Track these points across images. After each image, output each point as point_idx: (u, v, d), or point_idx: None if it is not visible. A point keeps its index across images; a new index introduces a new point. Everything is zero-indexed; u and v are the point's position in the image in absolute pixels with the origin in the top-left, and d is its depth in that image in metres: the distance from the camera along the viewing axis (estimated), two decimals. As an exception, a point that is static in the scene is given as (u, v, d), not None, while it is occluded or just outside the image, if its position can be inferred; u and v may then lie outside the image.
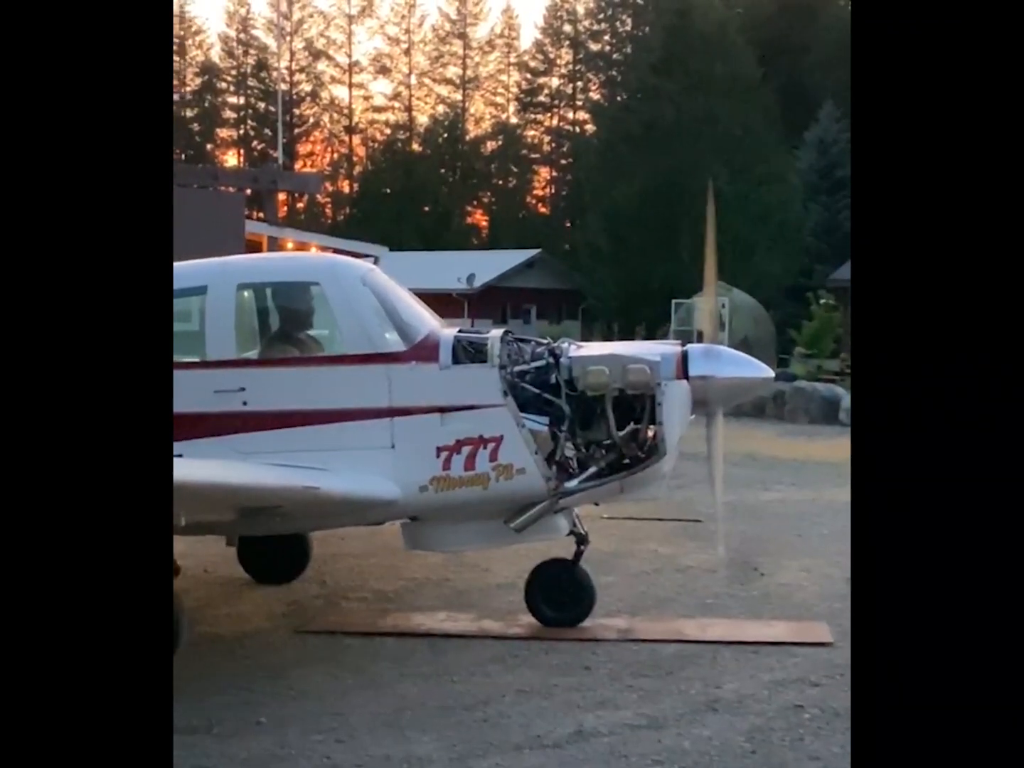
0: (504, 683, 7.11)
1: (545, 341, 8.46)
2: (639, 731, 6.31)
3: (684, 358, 8.00)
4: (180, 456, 6.95)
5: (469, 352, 8.01)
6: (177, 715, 6.27)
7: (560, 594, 8.24)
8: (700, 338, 32.14)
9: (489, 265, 57.61)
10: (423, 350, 7.97)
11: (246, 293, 8.40)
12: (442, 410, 7.86)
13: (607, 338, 61.68)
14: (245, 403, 7.90)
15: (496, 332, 8.28)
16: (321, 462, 7.73)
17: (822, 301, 41.23)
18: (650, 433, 7.98)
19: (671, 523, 12.03)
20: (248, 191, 26.54)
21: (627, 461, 8.00)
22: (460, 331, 8.33)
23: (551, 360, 8.08)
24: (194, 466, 7.03)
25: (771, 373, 8.39)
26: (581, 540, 8.36)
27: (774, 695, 6.86)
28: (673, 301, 37.75)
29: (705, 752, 5.99)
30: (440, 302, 53.32)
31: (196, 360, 8.02)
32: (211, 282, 8.10)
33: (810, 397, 24.97)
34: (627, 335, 60.51)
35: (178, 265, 8.35)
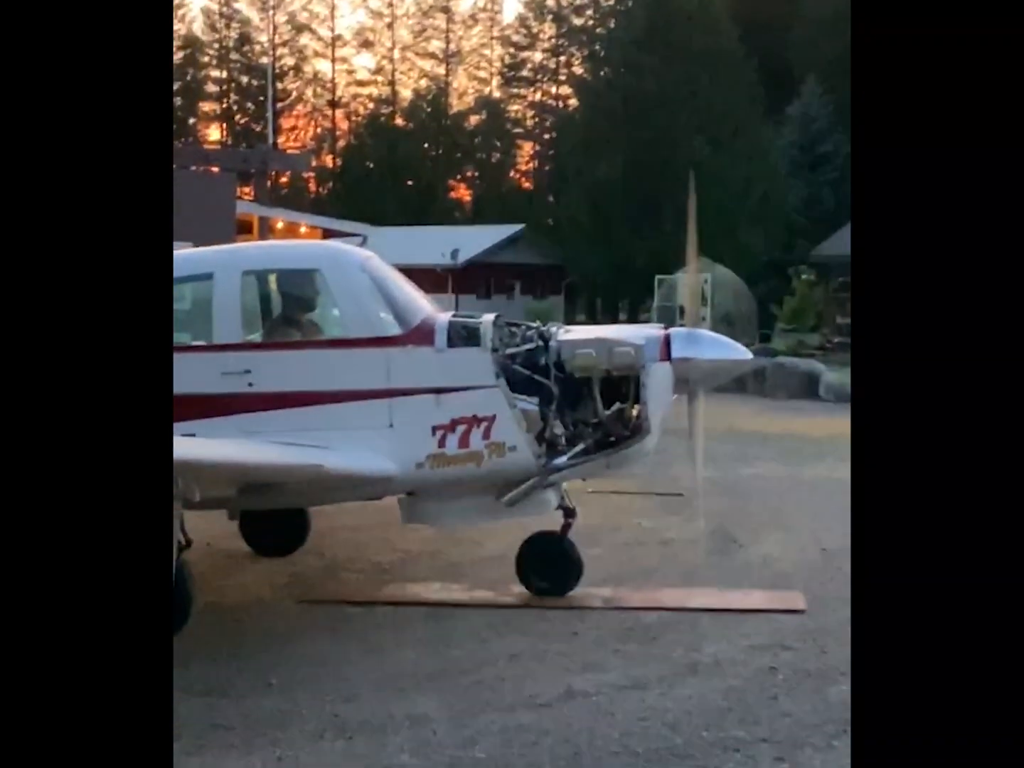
0: (497, 649, 7.57)
1: (535, 325, 8.88)
2: (624, 691, 6.77)
3: (667, 341, 8.44)
4: (193, 435, 7.43)
5: (463, 335, 8.42)
6: (191, 679, 6.78)
7: (549, 565, 8.68)
8: (683, 313, 32.35)
9: (473, 240, 57.66)
10: (419, 334, 8.39)
11: (251, 279, 8.81)
12: (438, 391, 8.28)
13: (591, 313, 61.98)
14: (251, 384, 8.31)
15: (488, 316, 8.69)
16: (323, 441, 8.14)
17: (803, 276, 41.69)
18: (635, 412, 8.43)
19: (654, 497, 12.46)
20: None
21: (613, 439, 8.45)
22: (454, 315, 8.75)
23: (541, 343, 8.51)
24: (205, 445, 7.46)
25: (749, 355, 8.83)
26: (569, 514, 8.79)
27: (750, 658, 7.33)
28: (656, 277, 37.99)
29: (685, 710, 6.46)
30: (424, 277, 53.45)
31: (204, 344, 8.44)
32: (217, 269, 8.49)
33: (790, 373, 25.38)
34: (610, 311, 60.94)
35: (186, 252, 8.77)
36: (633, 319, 56.04)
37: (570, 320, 57.73)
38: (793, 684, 6.86)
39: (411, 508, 8.77)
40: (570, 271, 59.54)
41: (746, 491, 13.23)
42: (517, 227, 60.75)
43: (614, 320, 56.01)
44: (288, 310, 8.89)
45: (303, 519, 10.18)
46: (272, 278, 8.93)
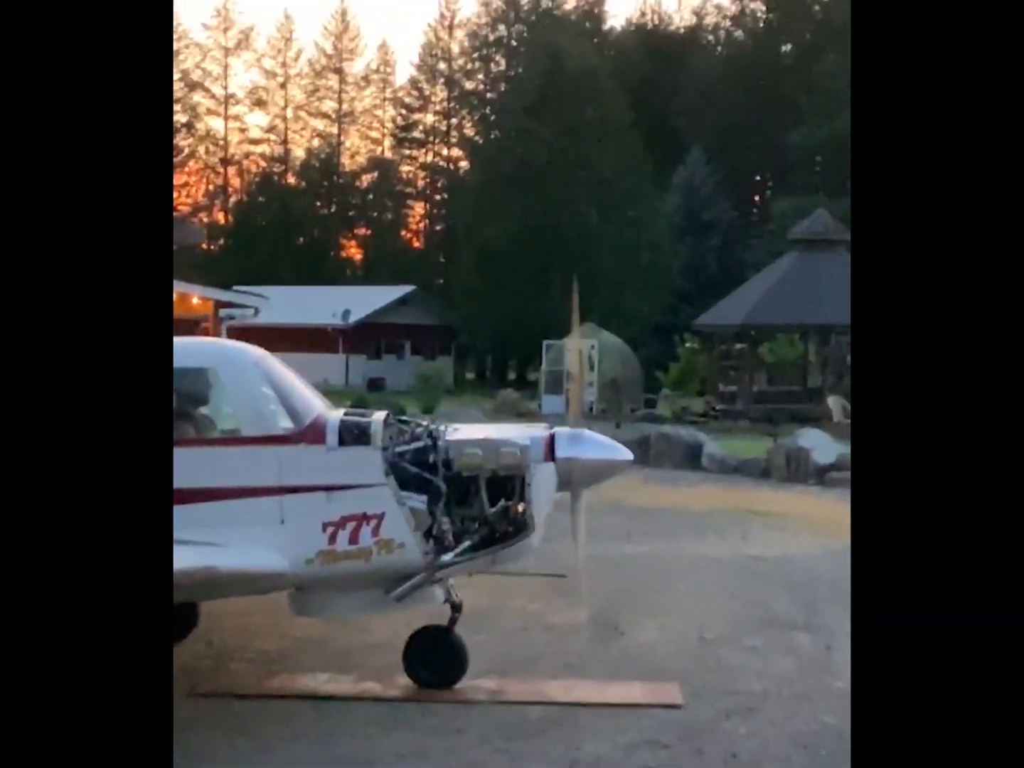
0: (383, 745, 7.75)
1: (424, 423, 9.17)
2: (507, 793, 7.01)
3: (551, 442, 8.76)
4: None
5: (354, 434, 8.66)
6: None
7: (436, 659, 8.91)
8: (570, 378, 32.76)
9: (364, 300, 57.95)
10: (311, 432, 8.62)
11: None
12: (328, 489, 8.50)
13: (480, 374, 62.28)
14: (143, 481, 8.43)
15: (379, 415, 8.94)
16: (215, 536, 8.29)
17: (687, 344, 42.59)
18: (519, 510, 8.73)
19: (539, 579, 12.69)
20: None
21: (498, 536, 8.74)
22: (346, 414, 8.99)
23: (429, 442, 8.78)
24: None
25: (630, 456, 9.18)
26: (456, 608, 9.03)
27: (627, 757, 7.59)
28: (544, 342, 38.50)
29: (565, 813, 6.71)
30: (315, 337, 53.64)
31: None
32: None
33: (674, 443, 25.89)
34: (499, 372, 61.39)
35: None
36: (522, 380, 56.73)
37: (459, 379, 58.16)
38: (668, 785, 7.15)
39: (300, 601, 8.96)
40: (460, 332, 60.04)
41: (629, 571, 13.55)
42: (408, 288, 61.15)
43: (502, 380, 56.61)
44: (181, 406, 9.03)
45: (192, 607, 10.26)
46: (166, 375, 9.08)
